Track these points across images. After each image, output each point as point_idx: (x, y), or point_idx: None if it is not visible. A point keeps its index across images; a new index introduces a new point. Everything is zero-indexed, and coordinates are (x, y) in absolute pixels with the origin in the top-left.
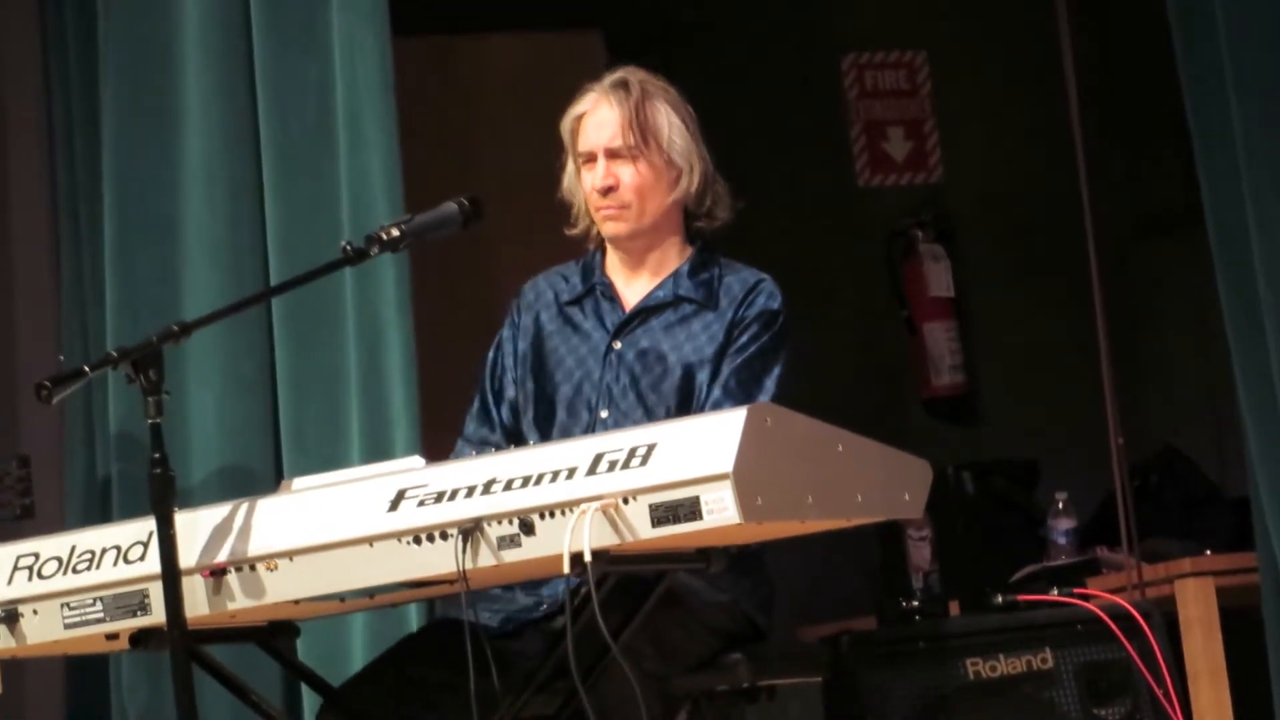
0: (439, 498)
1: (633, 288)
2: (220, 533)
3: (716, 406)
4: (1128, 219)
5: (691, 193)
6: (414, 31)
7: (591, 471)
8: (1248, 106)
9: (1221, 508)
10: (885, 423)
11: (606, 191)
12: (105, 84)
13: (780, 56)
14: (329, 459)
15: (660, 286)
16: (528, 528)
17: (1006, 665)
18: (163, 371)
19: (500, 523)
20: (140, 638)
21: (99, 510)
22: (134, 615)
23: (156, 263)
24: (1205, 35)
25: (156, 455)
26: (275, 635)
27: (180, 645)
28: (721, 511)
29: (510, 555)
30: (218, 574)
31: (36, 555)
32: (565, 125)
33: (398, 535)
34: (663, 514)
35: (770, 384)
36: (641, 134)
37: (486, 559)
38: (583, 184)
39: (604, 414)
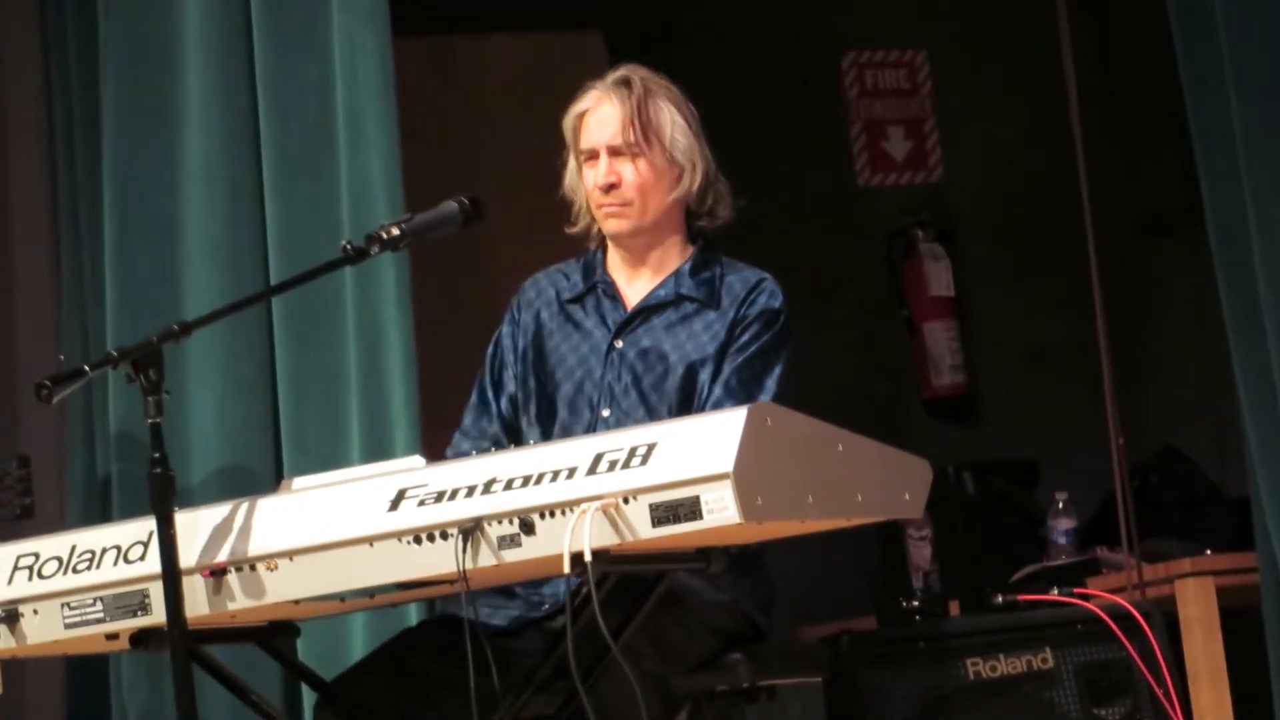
0: (439, 497)
1: (634, 286)
2: (220, 533)
3: (718, 405)
4: (1128, 219)
5: (693, 191)
6: (414, 31)
7: (592, 471)
8: (1248, 106)
9: (1221, 508)
10: (885, 423)
11: (608, 189)
12: (105, 84)
13: (780, 56)
14: (329, 459)
15: (662, 285)
16: (528, 527)
17: (1006, 665)
18: (163, 371)
19: (500, 522)
20: (140, 638)
21: (99, 510)
22: (134, 615)
23: (156, 263)
24: (1205, 35)
25: (156, 455)
26: (275, 635)
27: (180, 645)
28: (722, 511)
29: (510, 555)
30: (218, 574)
31: (36, 555)
32: (567, 123)
33: (398, 535)
34: (663, 514)
35: (771, 383)
36: (644, 132)
37: (487, 559)
38: (584, 182)
39: (605, 413)
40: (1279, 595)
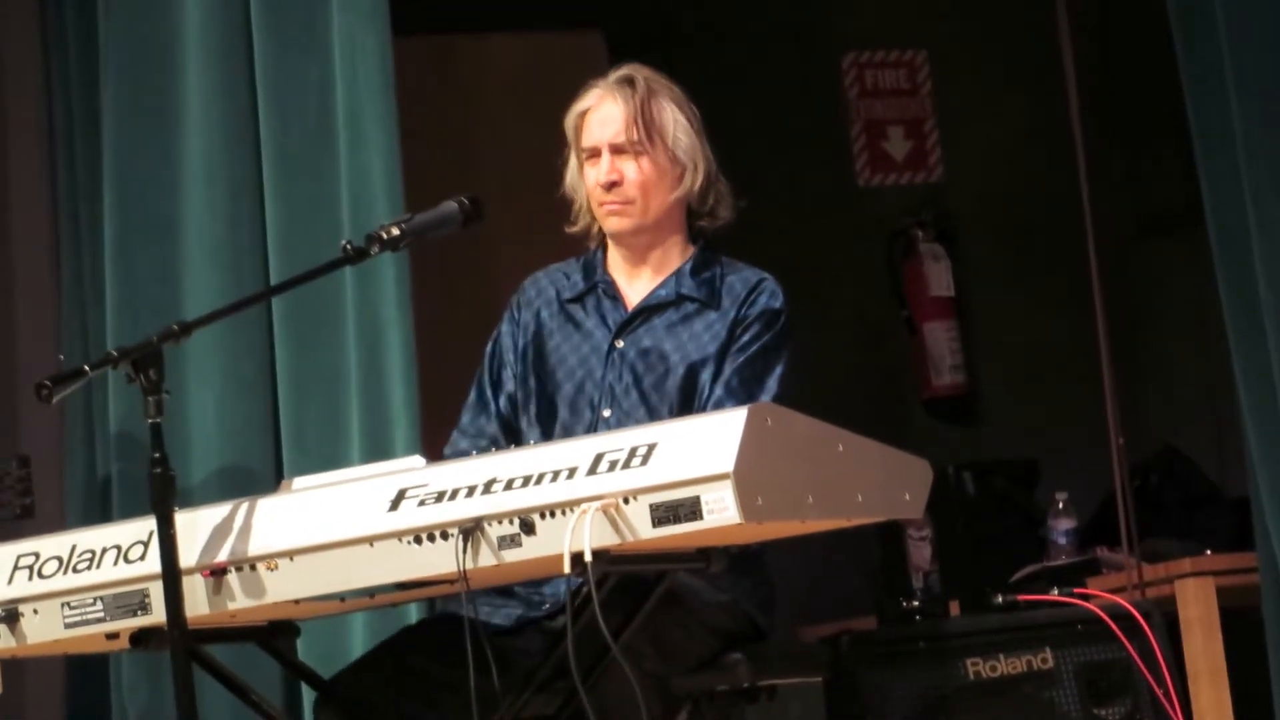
0: (439, 497)
1: (634, 286)
2: (220, 532)
3: (719, 405)
4: (1128, 219)
5: (695, 191)
6: (414, 31)
7: (592, 471)
8: (1248, 106)
9: (1221, 508)
10: (885, 423)
11: (610, 186)
12: (105, 84)
13: (780, 56)
14: (329, 459)
15: (662, 285)
16: (528, 527)
17: (1006, 665)
18: (163, 371)
19: (501, 522)
20: (140, 637)
21: (99, 510)
22: (134, 615)
23: (156, 263)
24: (1205, 35)
25: (156, 455)
26: (275, 635)
27: (180, 645)
28: (722, 511)
29: (511, 555)
30: (218, 574)
31: (37, 555)
32: (569, 121)
33: (398, 535)
34: (663, 514)
35: (772, 383)
36: (647, 130)
37: (487, 559)
38: (585, 180)
39: (606, 413)
40: (1279, 595)
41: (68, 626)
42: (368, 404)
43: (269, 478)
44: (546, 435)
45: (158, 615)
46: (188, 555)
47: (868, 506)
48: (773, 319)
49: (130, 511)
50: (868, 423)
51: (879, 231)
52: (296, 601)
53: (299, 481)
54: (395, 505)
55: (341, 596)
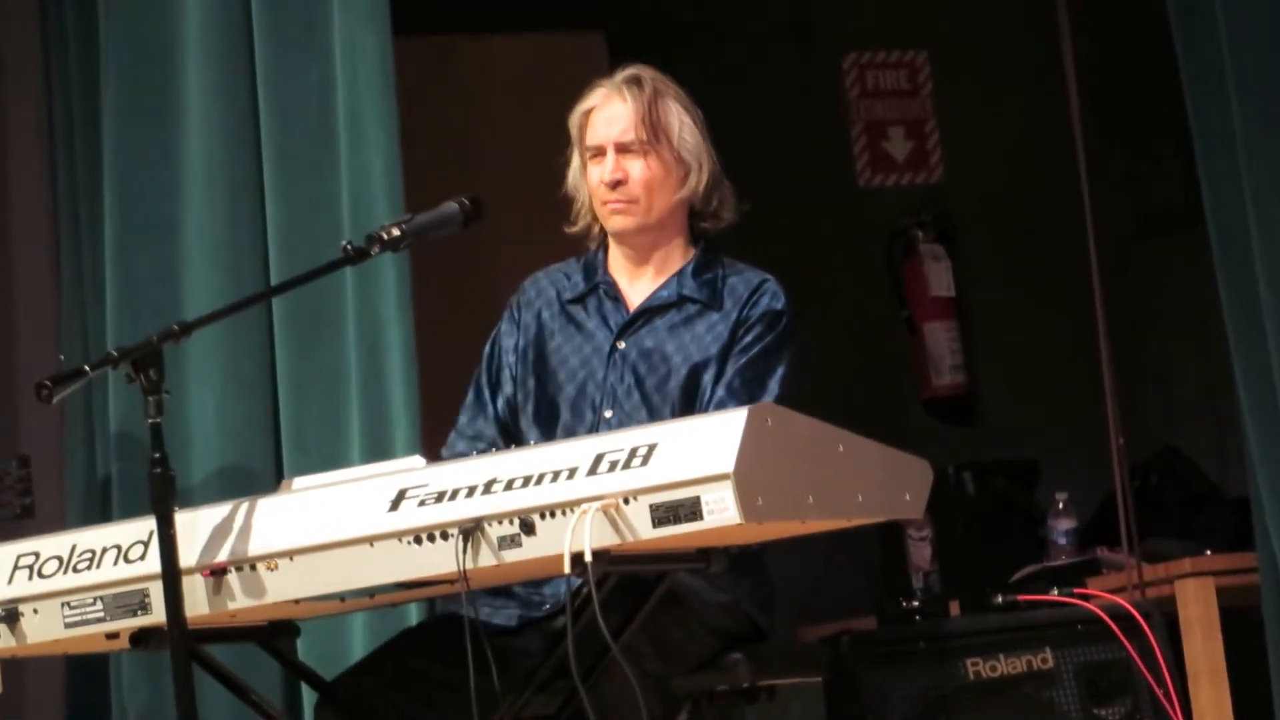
0: (439, 497)
1: (636, 287)
2: (220, 532)
3: (720, 406)
4: (1128, 219)
5: (699, 191)
6: (414, 31)
7: (592, 471)
8: (1248, 106)
9: (1221, 508)
10: (885, 423)
11: (615, 185)
12: (105, 84)
13: (780, 56)
14: (329, 459)
15: (664, 286)
16: (528, 527)
17: (1006, 665)
18: (163, 371)
19: (501, 522)
20: (140, 637)
21: (99, 510)
22: (134, 615)
23: (156, 263)
24: (1205, 35)
25: (156, 455)
26: (275, 635)
27: (180, 645)
28: (722, 512)
29: (511, 555)
30: (218, 574)
31: (37, 555)
32: (573, 120)
33: (398, 535)
34: (663, 514)
35: (774, 384)
36: (653, 130)
37: (487, 559)
38: (589, 179)
39: (608, 414)
40: (1279, 595)
41: (68, 626)
42: (368, 404)
43: (269, 478)
44: (548, 436)
45: (158, 615)
46: (188, 555)
47: (868, 507)
48: (774, 320)
49: (130, 511)
50: (868, 423)
51: (879, 232)
52: (296, 601)
53: (299, 481)
54: (395, 505)
55: (341, 596)
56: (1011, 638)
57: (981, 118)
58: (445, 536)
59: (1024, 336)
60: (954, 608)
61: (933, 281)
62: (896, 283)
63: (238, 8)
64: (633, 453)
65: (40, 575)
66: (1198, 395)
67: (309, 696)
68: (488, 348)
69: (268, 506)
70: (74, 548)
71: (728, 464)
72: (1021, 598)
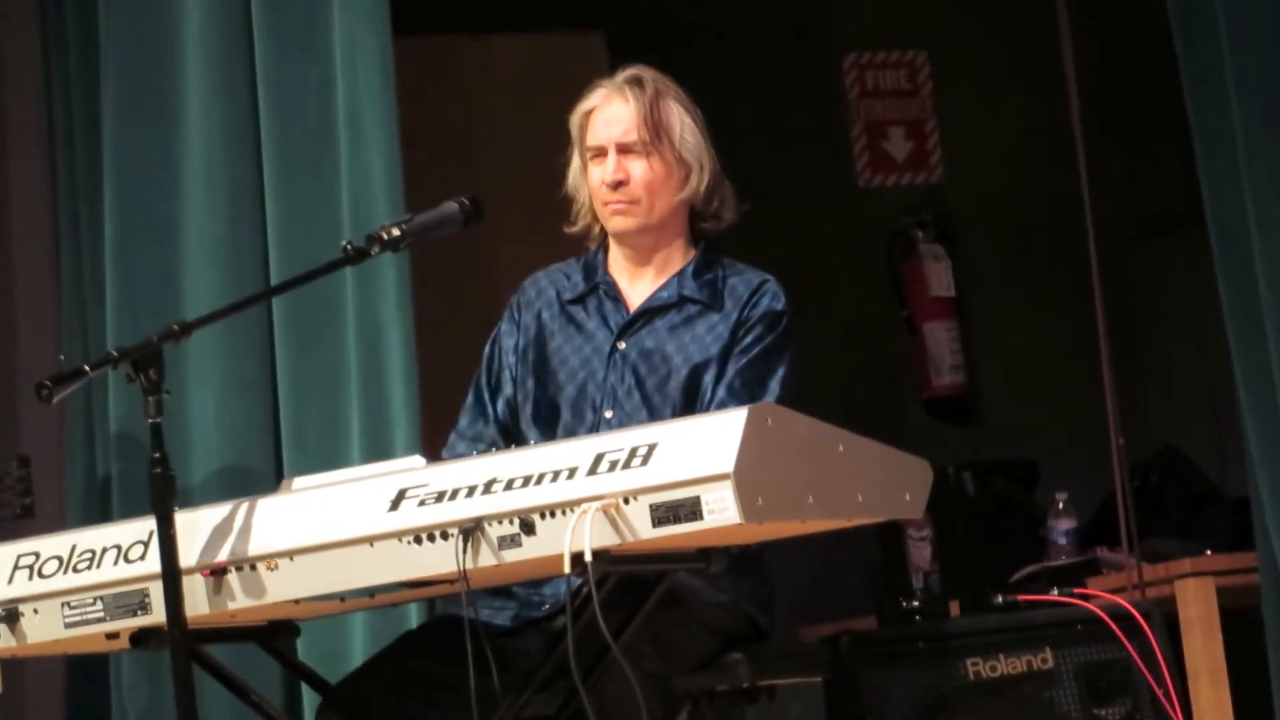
0: (439, 497)
1: (636, 288)
2: (220, 532)
3: (722, 407)
4: (1128, 219)
5: (700, 192)
6: (414, 31)
7: (592, 471)
8: (1248, 106)
9: (1221, 508)
10: (885, 423)
11: (617, 185)
12: (105, 84)
13: (780, 56)
14: (329, 459)
15: (664, 287)
16: (528, 527)
17: (1006, 665)
18: (163, 371)
19: (501, 522)
20: (140, 637)
21: (99, 510)
22: (134, 615)
23: (156, 263)
24: (1205, 35)
25: (156, 455)
26: (275, 635)
27: (180, 645)
28: (722, 511)
29: (511, 555)
30: (218, 573)
31: (37, 555)
32: (574, 120)
33: (398, 535)
34: (663, 514)
35: (775, 385)
36: (655, 130)
37: (487, 559)
38: (590, 179)
39: (608, 414)
40: (1279, 595)
41: (68, 626)
42: (368, 404)
43: (269, 478)
44: (548, 437)
45: (158, 615)
46: (188, 555)
47: (868, 506)
48: (775, 321)
49: (130, 511)
50: (868, 423)
51: (879, 232)
52: (296, 601)
53: (299, 481)
54: (395, 505)
55: (341, 596)
56: (1011, 638)
57: (981, 118)
58: (445, 536)
59: (1024, 336)
60: (954, 608)
61: (933, 281)
62: (896, 283)
63: (238, 8)
64: (633, 452)
65: (40, 575)
66: (1198, 395)
67: (309, 697)
68: (487, 348)
69: (268, 506)
70: (74, 548)
71: (728, 464)
72: (1021, 598)
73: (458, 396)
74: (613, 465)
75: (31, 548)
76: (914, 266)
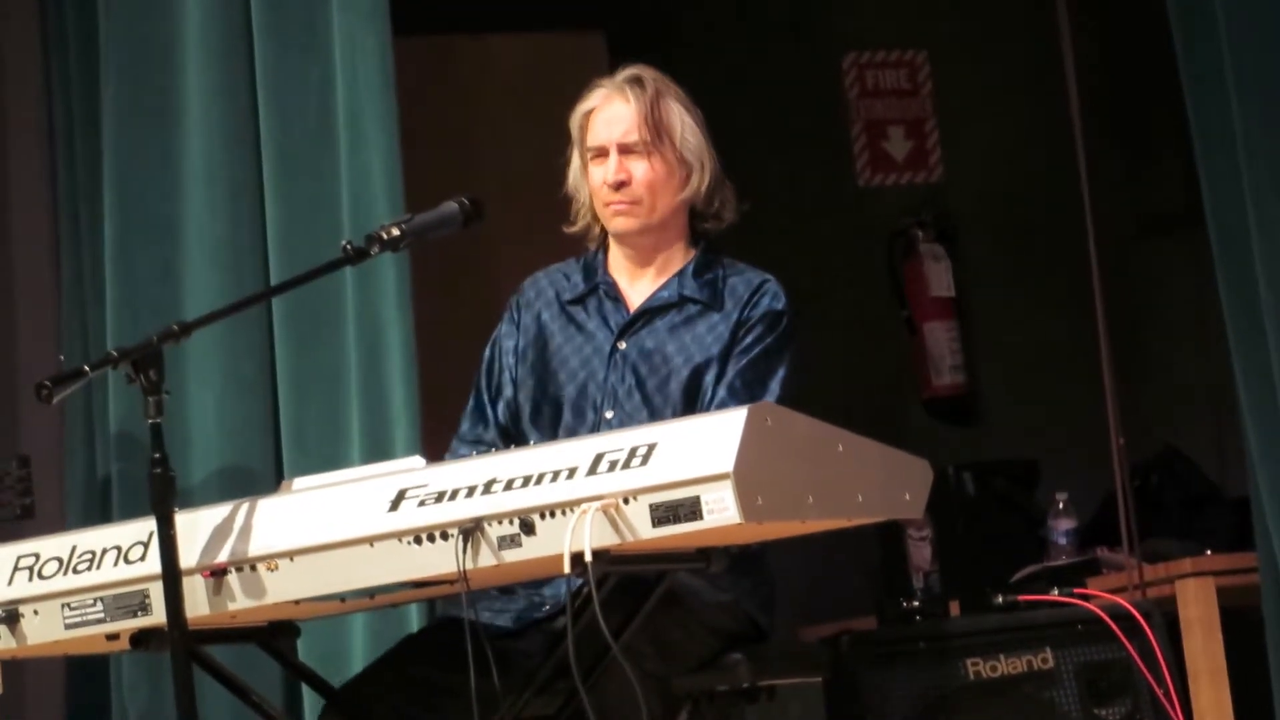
0: (439, 498)
1: (636, 288)
2: (220, 533)
3: (722, 407)
4: (1128, 219)
5: (701, 192)
6: (414, 31)
7: (592, 471)
8: (1248, 106)
9: (1221, 508)
10: (885, 423)
11: (618, 186)
12: (105, 84)
13: (780, 56)
14: (329, 459)
15: (664, 287)
16: (528, 528)
17: (1007, 665)
18: (163, 371)
19: (501, 523)
20: (140, 638)
21: (99, 510)
22: (134, 615)
23: (156, 263)
24: (1205, 35)
25: (156, 455)
26: (275, 635)
27: (180, 645)
28: (722, 511)
29: (511, 555)
30: (218, 574)
31: (37, 555)
32: (574, 120)
33: (398, 535)
34: (663, 514)
35: (776, 385)
36: (656, 130)
37: (487, 559)
38: (590, 179)
39: (609, 414)
40: (1279, 595)
41: (68, 627)
42: (368, 404)
43: (269, 478)
44: (549, 437)
45: (158, 616)
46: (188, 556)
47: (868, 506)
48: (775, 320)
49: (130, 512)
50: (868, 423)
51: (879, 232)
52: (297, 602)
53: (299, 482)
54: (395, 505)
55: (342, 597)
56: (1011, 638)
57: (981, 118)
58: (445, 536)
59: (1024, 336)
60: (954, 608)
61: (933, 281)
62: (896, 283)
63: (238, 8)
64: (632, 452)
65: (40, 576)
66: (1198, 395)
67: (309, 697)
68: (487, 350)
69: (268, 507)
70: (74, 549)
71: (727, 464)
72: (1021, 598)
73: (458, 396)
74: (612, 465)
75: (31, 549)
76: (914, 266)
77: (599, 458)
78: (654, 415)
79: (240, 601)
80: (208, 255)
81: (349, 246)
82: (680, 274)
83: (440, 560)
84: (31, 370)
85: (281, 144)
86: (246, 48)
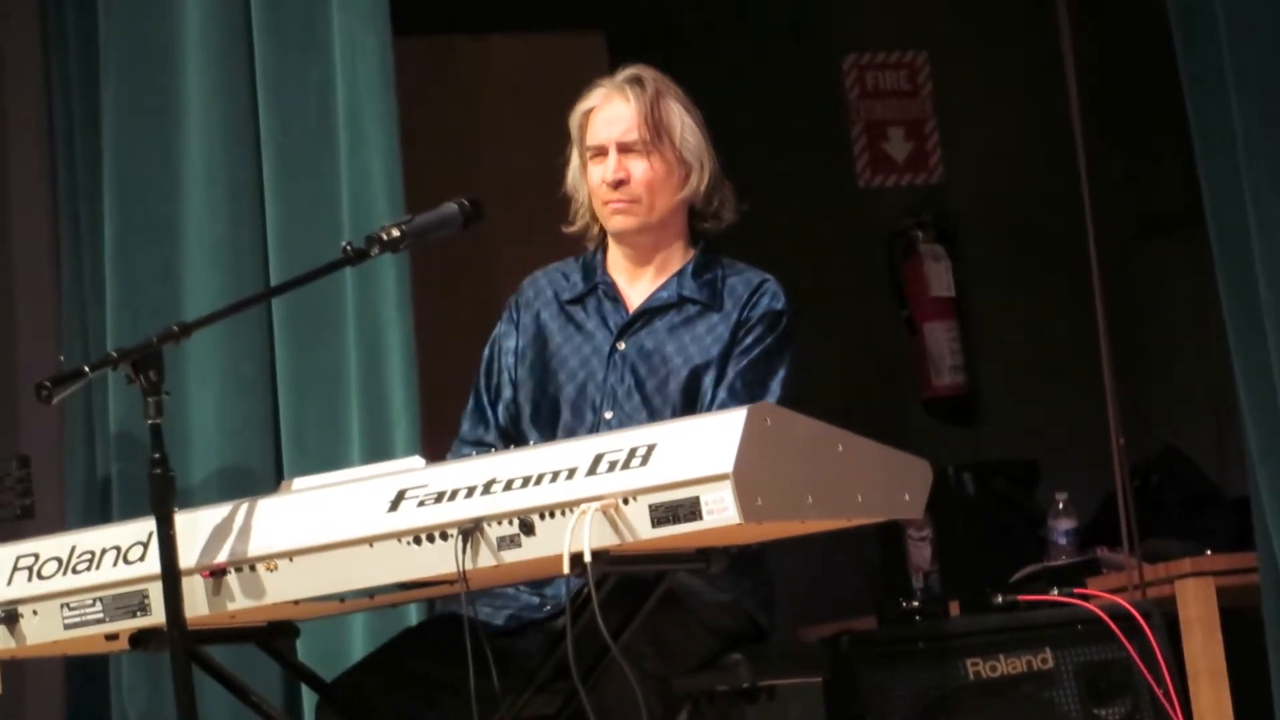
0: (439, 498)
1: (635, 288)
2: (220, 533)
3: (722, 408)
4: (1128, 219)
5: (700, 191)
6: (414, 31)
7: (591, 472)
8: (1248, 106)
9: (1221, 508)
10: (885, 423)
11: (617, 185)
12: (105, 84)
13: (780, 56)
14: (329, 459)
15: (664, 287)
16: (528, 528)
17: (1006, 665)
18: (163, 371)
19: (500, 523)
20: (140, 638)
21: (99, 510)
22: (134, 616)
23: (156, 263)
24: (1205, 35)
25: (156, 455)
26: (275, 636)
27: (180, 646)
28: (721, 512)
29: (510, 555)
30: (217, 574)
31: (36, 555)
32: (574, 119)
33: (398, 535)
34: (663, 514)
35: (776, 385)
36: (656, 129)
37: (486, 559)
38: (589, 179)
39: (608, 415)
40: (1279, 595)
41: (67, 627)
42: (368, 404)
43: (269, 478)
44: (548, 437)
45: (157, 616)
46: (187, 556)
47: (868, 507)
48: (775, 321)
49: (130, 512)
50: (868, 423)
51: (879, 232)
52: (296, 602)
53: (299, 482)
54: (395, 506)
55: (341, 597)
56: (1011, 638)
57: (981, 118)
58: (445, 537)
59: (1024, 336)
60: (954, 608)
61: (933, 281)
62: (896, 283)
63: (238, 8)
64: (632, 453)
65: (40, 576)
66: (1198, 395)
67: (309, 697)
68: (487, 350)
69: (267, 507)
70: (73, 549)
71: (727, 464)
72: (1021, 598)
73: (458, 397)
74: (612, 465)
75: (31, 549)
76: (914, 266)
77: (598, 458)
78: (653, 416)
79: (239, 602)
80: (208, 255)
81: (349, 247)
82: (679, 274)
83: (440, 560)
84: (31, 370)
85: (281, 144)
86: (246, 48)
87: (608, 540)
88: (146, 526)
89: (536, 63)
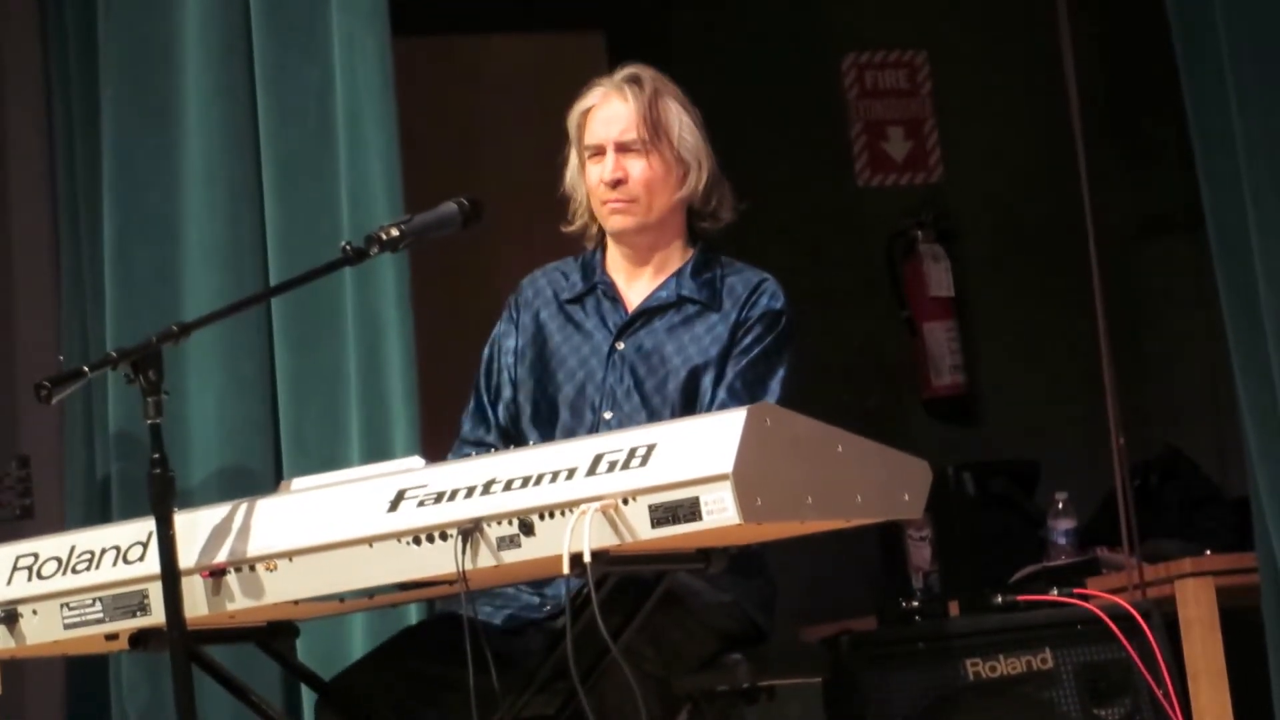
0: (439, 498)
1: (634, 287)
2: (220, 533)
3: (722, 409)
4: (1128, 219)
5: (698, 191)
6: (414, 31)
7: (591, 472)
8: (1248, 107)
9: (1221, 508)
10: (885, 423)
11: (615, 184)
12: (105, 84)
13: (780, 56)
14: (329, 459)
15: (662, 287)
16: (527, 528)
17: (1006, 665)
18: (162, 372)
19: (500, 523)
20: (140, 638)
21: (99, 510)
22: (133, 615)
23: (156, 263)
24: (1205, 36)
25: (156, 455)
26: (275, 636)
27: (180, 646)
28: (721, 512)
29: (510, 556)
30: (217, 574)
31: (36, 555)
32: (572, 119)
33: (397, 535)
34: (662, 514)
35: (775, 385)
36: (654, 128)
37: (486, 559)
38: (588, 178)
39: (607, 415)
40: (1279, 595)
41: (67, 627)
42: (368, 404)
43: (269, 478)
44: (548, 437)
45: (157, 616)
46: (187, 556)
47: (867, 507)
48: (774, 320)
49: (130, 512)
50: (867, 423)
51: (879, 232)
52: (296, 602)
53: (298, 482)
54: (394, 506)
55: (341, 597)
56: (1011, 638)
57: (981, 118)
58: (444, 537)
59: (1024, 337)
60: (954, 608)
61: (932, 281)
62: (896, 283)
63: (238, 8)
64: (631, 453)
65: (39, 576)
66: (1198, 396)
67: (309, 697)
68: (486, 350)
69: (267, 507)
70: (73, 549)
71: (726, 464)
72: (1021, 598)
73: (458, 397)
74: (612, 466)
75: (30, 549)
76: (914, 266)
77: (598, 458)
78: (652, 416)
79: (239, 602)
80: (207, 255)
81: (348, 247)
82: (678, 273)
83: (439, 561)
84: (31, 370)
85: (281, 144)
86: (246, 48)
87: (607, 540)
88: (146, 526)
89: (536, 63)
